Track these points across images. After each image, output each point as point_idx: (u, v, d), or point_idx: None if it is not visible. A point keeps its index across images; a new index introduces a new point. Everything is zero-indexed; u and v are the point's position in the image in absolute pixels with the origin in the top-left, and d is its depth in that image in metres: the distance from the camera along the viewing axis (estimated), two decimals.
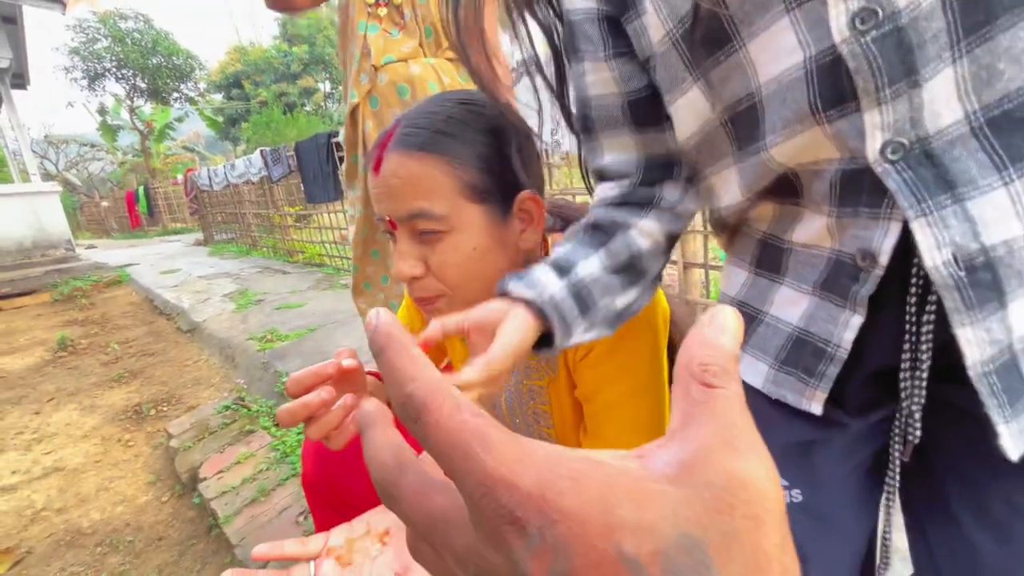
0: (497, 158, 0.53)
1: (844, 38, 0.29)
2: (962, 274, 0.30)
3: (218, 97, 16.12)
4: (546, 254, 0.59)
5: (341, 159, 3.91)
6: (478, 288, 0.54)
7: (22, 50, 6.72)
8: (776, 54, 0.32)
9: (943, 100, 0.29)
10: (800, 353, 0.40)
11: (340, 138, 3.75)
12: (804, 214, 0.38)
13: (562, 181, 2.44)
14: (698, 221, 1.94)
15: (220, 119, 16.83)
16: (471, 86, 1.44)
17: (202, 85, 16.22)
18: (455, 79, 1.39)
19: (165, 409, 2.19)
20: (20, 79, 7.26)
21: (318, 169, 4.10)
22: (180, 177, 15.80)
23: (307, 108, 14.53)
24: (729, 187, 0.41)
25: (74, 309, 4.21)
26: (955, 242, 0.30)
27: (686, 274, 2.02)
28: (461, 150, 0.51)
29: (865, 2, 0.28)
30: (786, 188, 0.38)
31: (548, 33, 0.49)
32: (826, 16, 0.29)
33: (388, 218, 0.53)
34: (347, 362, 0.46)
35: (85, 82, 15.03)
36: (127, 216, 12.73)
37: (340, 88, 15.31)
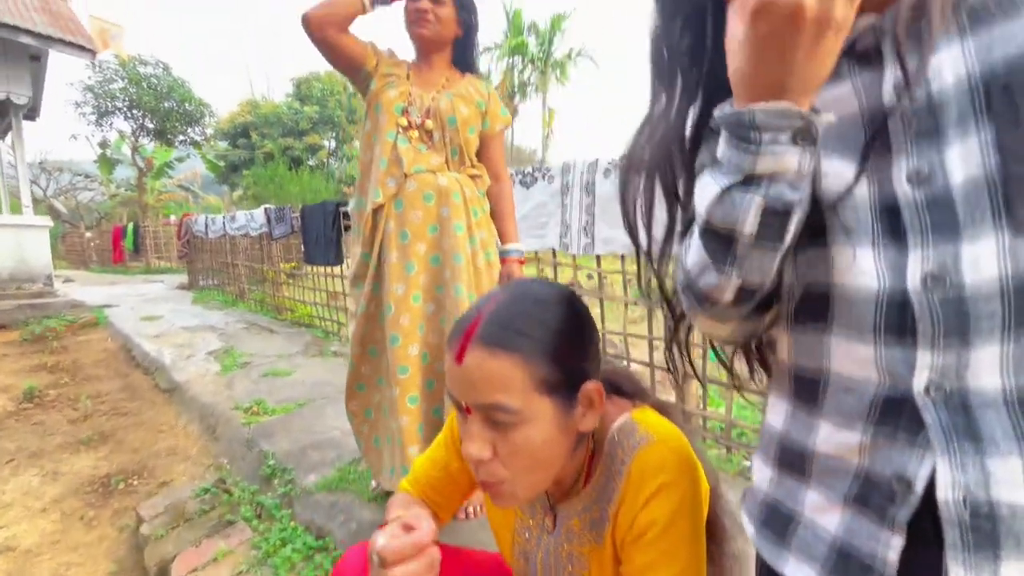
0: (567, 353, 0.58)
1: (915, 290, 0.35)
2: (967, 516, 0.34)
3: (223, 144, 16.49)
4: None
5: (347, 227, 3.99)
6: (541, 475, 0.57)
7: (40, 86, 6.91)
8: (854, 270, 0.38)
9: (987, 368, 0.34)
10: (847, 566, 0.42)
11: (350, 208, 3.85)
12: (822, 425, 0.42)
13: (566, 276, 2.53)
14: (697, 336, 2.02)
15: (222, 164, 17.14)
16: (486, 203, 1.52)
17: (209, 131, 16.65)
18: (475, 193, 1.49)
19: (135, 483, 2.06)
20: (32, 112, 7.39)
21: (322, 233, 4.18)
22: (174, 218, 15.78)
23: (311, 163, 14.94)
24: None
25: (44, 352, 4.03)
26: (968, 487, 0.34)
27: (684, 384, 2.07)
28: (537, 348, 0.56)
29: (937, 269, 0.34)
30: (809, 391, 0.43)
31: None
32: (903, 264, 0.36)
33: (464, 404, 0.56)
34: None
35: (94, 117, 15.28)
36: (110, 250, 12.53)
37: (345, 147, 15.89)
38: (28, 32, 5.35)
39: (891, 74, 0.38)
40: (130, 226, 11.60)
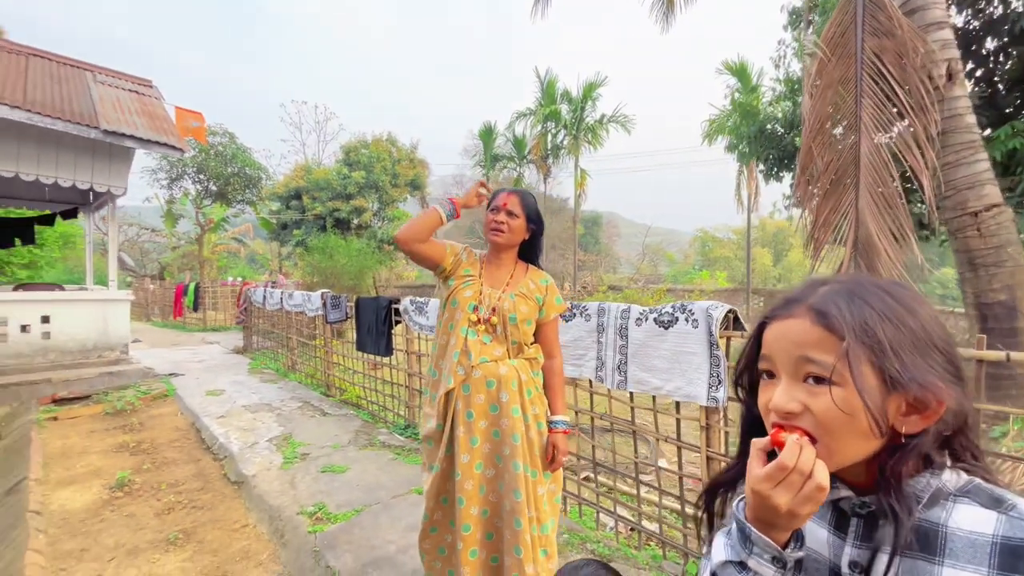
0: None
1: None
2: None
3: (276, 204, 17.79)
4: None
5: (397, 322, 4.38)
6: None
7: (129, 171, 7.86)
8: None
9: None
10: None
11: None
12: None
13: (601, 405, 2.75)
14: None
15: (274, 221, 18.45)
16: (539, 380, 1.76)
17: (264, 193, 18.06)
18: (530, 376, 1.78)
19: None
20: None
21: (374, 326, 4.57)
22: (232, 280, 16.94)
23: (356, 222, 15.89)
24: None
25: (124, 430, 4.48)
26: None
27: (708, 466, 2.21)
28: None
29: None
30: None
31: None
32: None
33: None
34: None
35: (166, 182, 16.91)
36: (172, 305, 13.53)
37: (387, 209, 16.88)
38: (132, 137, 6.21)
39: (850, 549, 0.58)
40: (191, 286, 12.57)
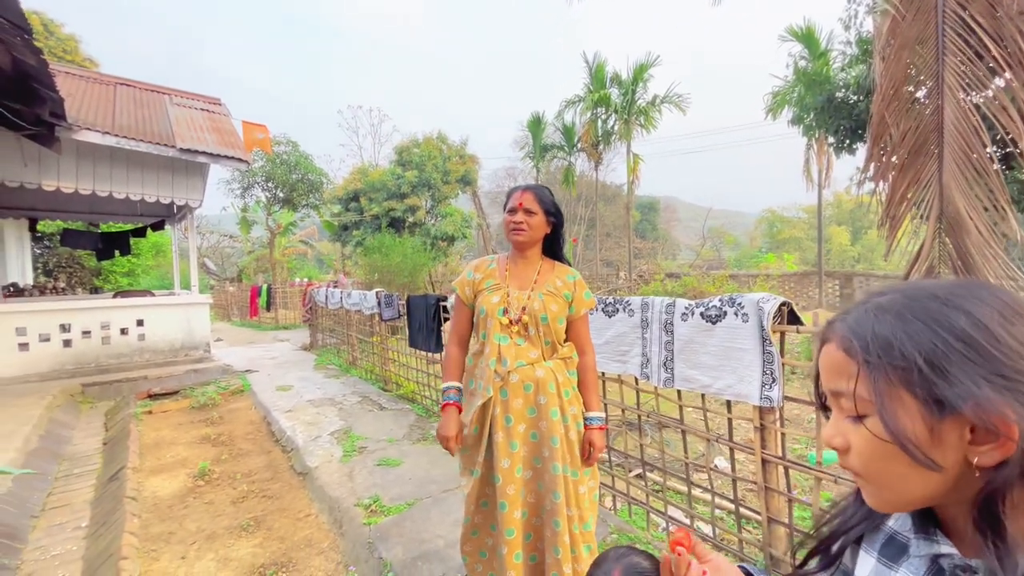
0: None
1: None
2: None
3: (337, 207, 18.68)
4: None
5: (446, 319, 4.46)
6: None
7: (206, 184, 8.54)
8: None
9: None
10: None
11: (448, 303, 4.34)
12: None
13: (649, 404, 2.66)
14: (781, 415, 2.05)
15: (336, 223, 19.40)
16: (575, 379, 1.73)
17: (326, 196, 19.01)
18: (566, 376, 1.74)
19: None
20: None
21: (424, 323, 4.68)
22: (299, 280, 18.05)
23: (410, 220, 16.37)
24: None
25: (206, 423, 4.90)
26: None
27: (764, 469, 2.09)
28: None
29: None
30: None
31: None
32: None
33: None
34: None
35: (239, 191, 18.25)
36: (248, 305, 14.63)
37: (439, 206, 17.24)
38: (204, 153, 6.73)
39: None
40: (264, 287, 13.52)
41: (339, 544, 2.73)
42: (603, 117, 19.52)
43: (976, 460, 0.44)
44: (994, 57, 3.08)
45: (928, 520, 0.51)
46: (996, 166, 3.26)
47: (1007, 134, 3.22)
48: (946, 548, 0.49)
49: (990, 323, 0.44)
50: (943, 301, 0.47)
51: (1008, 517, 0.43)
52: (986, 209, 3.12)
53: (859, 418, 0.48)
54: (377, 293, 5.76)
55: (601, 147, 20.23)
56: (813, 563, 0.61)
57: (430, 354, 4.75)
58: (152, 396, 5.86)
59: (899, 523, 0.55)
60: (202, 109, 8.04)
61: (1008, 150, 3.78)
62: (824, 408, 0.55)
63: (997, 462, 0.43)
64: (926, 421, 0.44)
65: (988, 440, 0.43)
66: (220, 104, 8.67)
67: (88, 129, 5.83)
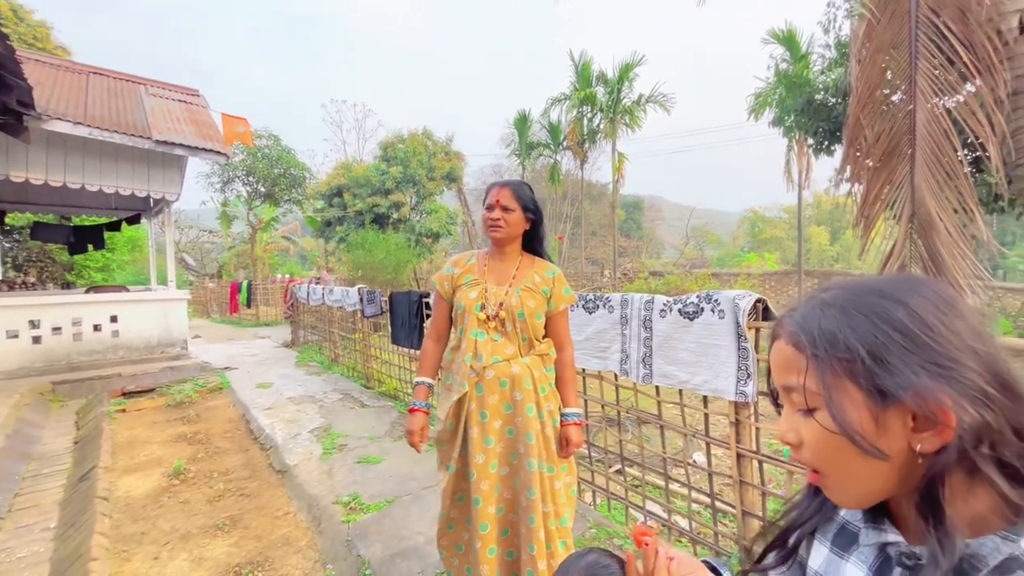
0: None
1: None
2: None
3: (321, 202, 18.42)
4: None
5: (427, 315, 4.44)
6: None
7: (183, 177, 8.34)
8: None
9: None
10: None
11: (431, 299, 4.31)
12: None
13: (629, 401, 2.68)
14: (756, 410, 2.09)
15: (319, 219, 19.13)
16: (552, 376, 1.76)
17: (309, 192, 18.72)
18: (542, 372, 1.75)
19: (259, 575, 2.47)
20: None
21: (406, 319, 4.65)
22: (280, 276, 17.77)
23: (395, 216, 16.23)
24: None
25: (183, 421, 4.80)
26: None
27: (739, 463, 2.11)
28: None
29: None
30: None
31: None
32: None
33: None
34: None
35: (219, 186, 17.86)
36: (228, 302, 14.36)
37: (424, 202, 17.11)
38: (181, 145, 6.57)
39: None
40: (244, 283, 13.27)
41: (317, 542, 2.70)
42: (589, 115, 19.59)
43: (919, 447, 0.45)
44: (965, 63, 3.17)
45: (878, 511, 0.53)
46: (966, 169, 3.35)
47: (976, 138, 3.32)
48: (892, 536, 0.51)
49: (925, 314, 0.46)
50: (883, 295, 0.49)
51: (948, 502, 0.44)
52: (956, 211, 3.22)
53: (809, 411, 0.50)
54: (359, 289, 5.70)
55: (587, 145, 20.31)
56: (771, 557, 0.62)
57: (412, 351, 4.72)
58: (126, 394, 5.72)
59: (851, 513, 0.57)
60: (179, 100, 7.85)
61: (977, 154, 3.90)
62: (777, 404, 0.57)
63: (937, 448, 0.45)
64: (871, 411, 0.46)
65: (928, 427, 0.45)
66: (198, 95, 8.47)
67: (58, 119, 5.64)
